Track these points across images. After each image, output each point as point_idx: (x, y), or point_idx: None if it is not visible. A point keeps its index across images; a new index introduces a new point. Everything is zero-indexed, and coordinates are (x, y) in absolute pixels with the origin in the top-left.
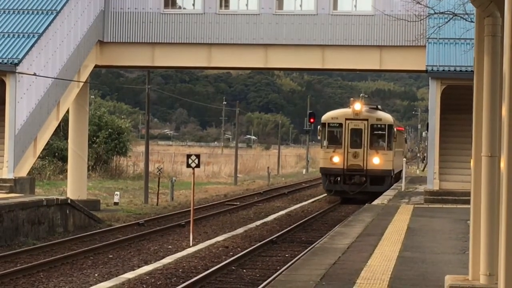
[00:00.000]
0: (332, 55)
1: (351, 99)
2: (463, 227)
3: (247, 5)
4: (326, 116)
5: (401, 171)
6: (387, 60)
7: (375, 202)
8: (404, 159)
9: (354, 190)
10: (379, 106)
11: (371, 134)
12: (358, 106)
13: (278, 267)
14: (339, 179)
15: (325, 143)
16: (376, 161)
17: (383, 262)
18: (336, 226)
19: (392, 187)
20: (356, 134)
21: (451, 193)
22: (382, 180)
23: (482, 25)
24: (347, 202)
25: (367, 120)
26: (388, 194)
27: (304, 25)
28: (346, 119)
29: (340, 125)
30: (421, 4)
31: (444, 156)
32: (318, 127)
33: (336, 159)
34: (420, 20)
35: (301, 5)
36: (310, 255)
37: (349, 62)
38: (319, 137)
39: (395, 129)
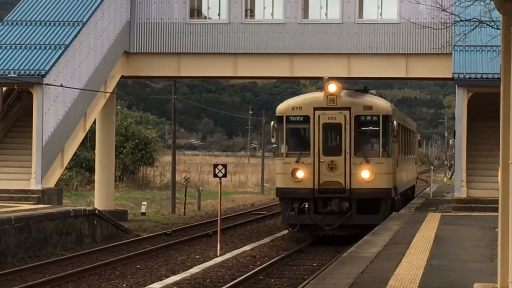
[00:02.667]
0: (358, 64)
1: (325, 77)
2: (491, 234)
3: (272, 14)
4: (284, 106)
5: (412, 188)
6: (413, 68)
7: (402, 211)
8: (418, 167)
9: (331, 223)
10: (373, 91)
11: (357, 132)
12: (333, 87)
13: (306, 276)
14: (307, 206)
15: (282, 148)
16: (366, 175)
17: (411, 270)
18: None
19: (419, 195)
20: (332, 132)
21: (478, 201)
22: (376, 205)
23: (509, 32)
24: (323, 242)
25: (349, 109)
26: (415, 203)
27: (330, 34)
28: (316, 108)
29: (306, 119)
30: (446, 11)
31: (472, 164)
32: (272, 124)
33: (301, 174)
34: (446, 28)
35: (326, 14)
36: (337, 264)
37: (375, 70)
38: (273, 140)
39: (395, 123)
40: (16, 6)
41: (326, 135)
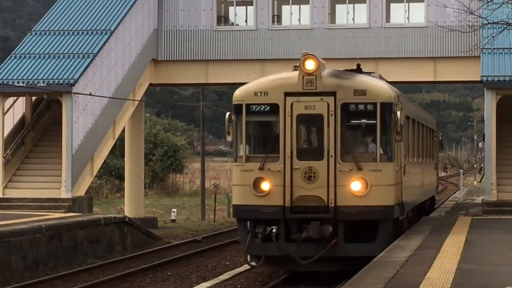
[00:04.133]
0: (386, 68)
1: (304, 52)
2: None
3: (299, 20)
4: (243, 91)
5: (431, 199)
6: (441, 71)
7: (432, 214)
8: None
9: (309, 254)
10: (376, 74)
11: (345, 127)
12: (311, 64)
13: (337, 282)
14: (275, 230)
15: (241, 150)
16: (357, 187)
17: (442, 274)
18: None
19: (449, 198)
20: (310, 127)
21: (509, 204)
22: (372, 230)
23: None
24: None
25: (333, 94)
26: (446, 206)
27: (357, 39)
28: (288, 94)
29: (274, 108)
30: (474, 14)
31: (502, 167)
32: (227, 115)
33: (267, 186)
34: (474, 31)
35: (353, 19)
36: (368, 269)
37: (403, 74)
38: (228, 138)
39: (399, 114)
40: (44, 16)
41: (302, 132)
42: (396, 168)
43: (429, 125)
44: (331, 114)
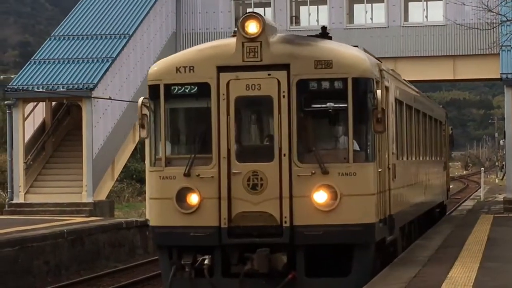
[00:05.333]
0: (405, 67)
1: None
2: None
3: (317, 20)
4: (162, 67)
5: (441, 206)
6: (460, 69)
7: (454, 213)
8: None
9: None
10: (363, 49)
11: (304, 114)
12: (254, 26)
13: None
14: (207, 261)
15: (160, 149)
16: (322, 198)
17: (464, 273)
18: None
19: (471, 196)
20: (254, 116)
21: None
22: (346, 258)
23: None
24: None
25: (286, 67)
26: (468, 205)
27: (376, 38)
28: (222, 69)
29: (204, 89)
30: (493, 12)
31: None
32: (140, 101)
33: (195, 199)
34: (493, 28)
35: (371, 18)
36: (390, 268)
37: (422, 73)
38: (143, 134)
39: (379, 94)
40: (63, 21)
41: (244, 122)
42: (379, 170)
43: (435, 116)
44: (283, 96)
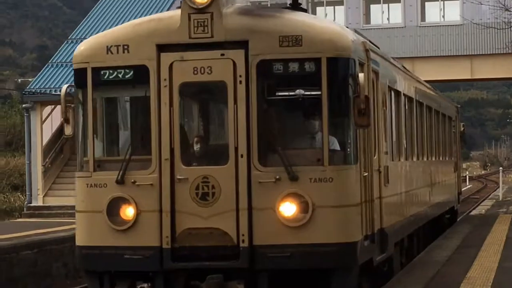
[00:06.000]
0: (422, 67)
1: None
2: None
3: (334, 21)
4: (90, 46)
5: (451, 211)
6: (478, 69)
7: (473, 212)
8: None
9: None
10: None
11: (265, 103)
12: None
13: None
14: None
15: (88, 150)
16: (289, 210)
17: (483, 273)
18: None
19: (489, 196)
20: (203, 106)
21: None
22: (322, 285)
23: None
24: None
25: (244, 45)
26: (486, 204)
27: (393, 38)
28: (162, 48)
29: (140, 73)
30: (510, 11)
31: None
32: (63, 89)
33: (131, 213)
34: (510, 27)
35: (388, 19)
36: (408, 269)
37: (439, 73)
38: (67, 131)
39: (361, 77)
40: (80, 24)
41: (190, 115)
42: (364, 174)
43: (443, 110)
44: (240, 82)
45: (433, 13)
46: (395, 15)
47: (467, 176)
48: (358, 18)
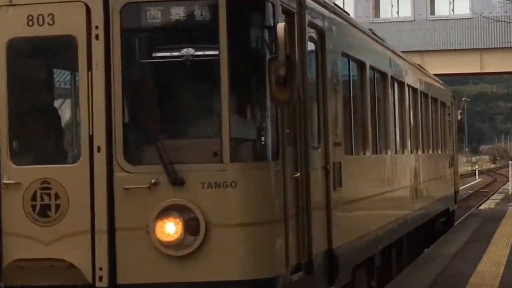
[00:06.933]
0: (431, 60)
1: None
2: None
3: None
4: None
5: (447, 213)
6: (487, 62)
7: (482, 206)
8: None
9: None
10: None
11: (135, 70)
12: None
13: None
14: None
15: None
16: (170, 231)
17: (492, 267)
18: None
19: (499, 190)
20: (41, 75)
21: None
22: None
23: None
24: None
25: None
26: (495, 198)
27: (402, 32)
28: None
29: None
30: None
31: None
32: None
33: None
34: None
35: (397, 12)
36: (417, 263)
37: (448, 66)
38: None
39: (280, 29)
40: None
41: (24, 88)
42: (295, 174)
43: (434, 94)
44: (97, 37)
45: (442, 7)
46: (404, 8)
47: (477, 170)
48: (368, 12)
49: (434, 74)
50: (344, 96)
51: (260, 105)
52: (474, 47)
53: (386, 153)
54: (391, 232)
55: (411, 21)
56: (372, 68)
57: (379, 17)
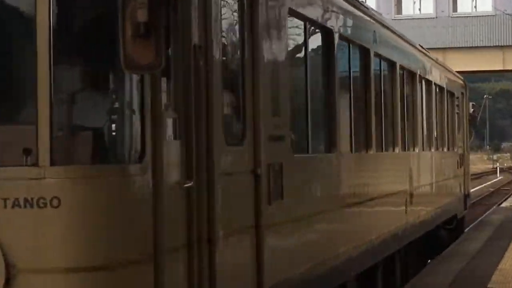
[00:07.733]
0: (453, 57)
1: None
2: None
3: None
4: None
5: (455, 219)
6: (510, 59)
7: (504, 204)
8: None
9: None
10: None
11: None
12: None
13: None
14: None
15: None
16: None
17: None
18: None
19: None
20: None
21: None
22: None
23: None
24: None
25: None
26: None
27: (424, 29)
28: None
29: None
30: None
31: None
32: None
33: None
34: None
35: (419, 9)
36: (439, 260)
37: (471, 63)
38: None
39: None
40: None
41: None
42: (187, 184)
43: (437, 81)
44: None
45: (465, 4)
46: (426, 5)
47: (498, 168)
48: (390, 9)
49: (457, 72)
50: (292, 68)
51: (107, 72)
52: (497, 44)
53: (367, 152)
54: (373, 252)
55: (433, 18)
56: (345, 38)
57: (401, 13)
